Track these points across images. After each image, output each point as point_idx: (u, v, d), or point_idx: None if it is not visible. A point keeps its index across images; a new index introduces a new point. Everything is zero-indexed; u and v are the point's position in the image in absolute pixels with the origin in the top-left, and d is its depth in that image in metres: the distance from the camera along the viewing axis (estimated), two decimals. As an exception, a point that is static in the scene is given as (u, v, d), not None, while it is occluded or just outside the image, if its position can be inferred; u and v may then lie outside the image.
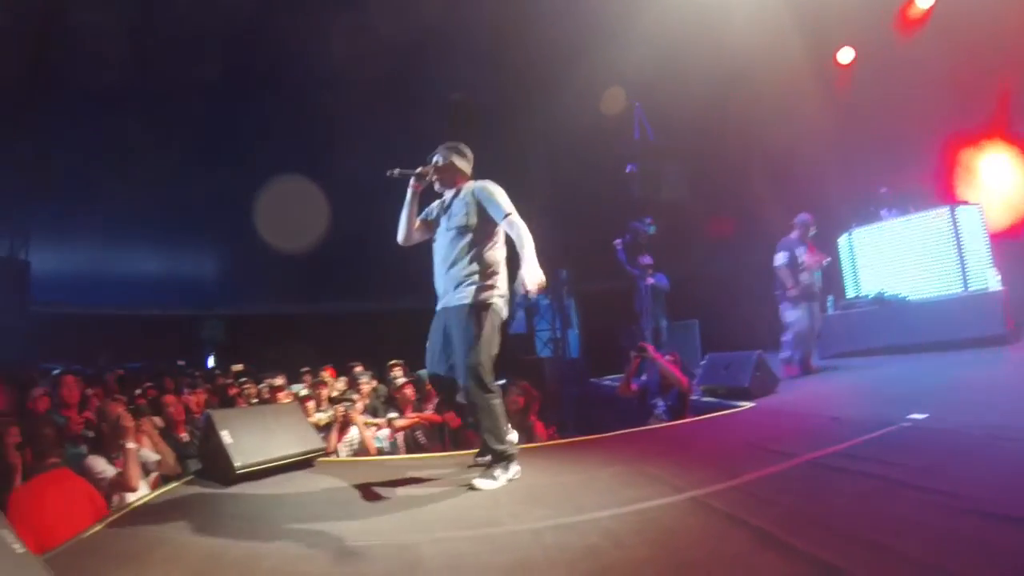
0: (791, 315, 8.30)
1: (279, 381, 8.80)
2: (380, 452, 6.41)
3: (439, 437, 6.85)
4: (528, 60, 13.68)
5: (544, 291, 4.17)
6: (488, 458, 4.03)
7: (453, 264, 4.15)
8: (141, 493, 4.46)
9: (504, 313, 4.17)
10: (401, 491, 3.93)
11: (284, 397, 7.83)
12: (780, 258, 8.31)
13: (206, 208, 17.07)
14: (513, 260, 4.15)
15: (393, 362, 8.48)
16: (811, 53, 11.42)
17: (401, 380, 7.54)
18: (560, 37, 13.04)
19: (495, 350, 4.05)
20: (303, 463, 4.59)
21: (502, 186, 4.21)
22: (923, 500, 2.59)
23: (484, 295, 4.07)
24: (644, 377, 7.10)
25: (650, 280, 10.30)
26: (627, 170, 12.86)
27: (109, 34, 15.02)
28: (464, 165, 4.39)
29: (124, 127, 15.61)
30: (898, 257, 9.70)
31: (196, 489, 4.15)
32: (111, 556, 2.94)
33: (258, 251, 18.39)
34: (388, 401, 7.43)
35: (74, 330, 16.96)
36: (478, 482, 3.81)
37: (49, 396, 6.57)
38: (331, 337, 15.32)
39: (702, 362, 9.17)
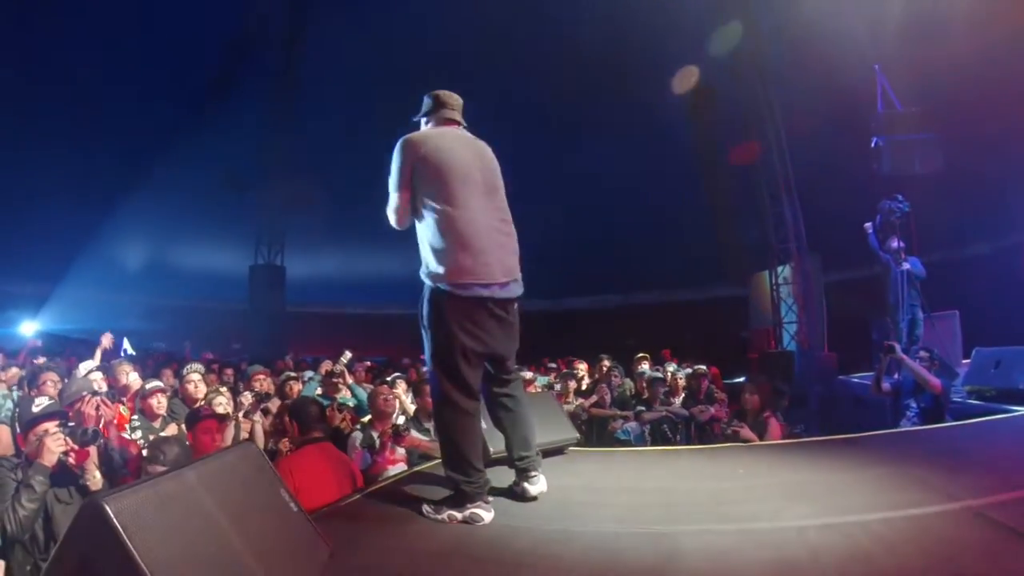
0: None
1: (528, 375, 9.23)
2: (627, 444, 6.61)
3: (685, 431, 6.95)
4: (762, 37, 13.27)
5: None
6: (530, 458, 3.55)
7: None
8: (399, 469, 4.85)
9: (468, 295, 3.27)
10: (654, 482, 3.96)
11: (531, 390, 8.20)
12: None
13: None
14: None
15: (640, 355, 8.64)
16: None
17: (649, 374, 7.70)
18: (792, 8, 12.52)
19: (455, 353, 3.29)
20: (556, 451, 4.69)
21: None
22: None
23: (428, 279, 3.38)
24: (897, 376, 6.72)
25: (905, 266, 9.54)
26: (873, 144, 12.06)
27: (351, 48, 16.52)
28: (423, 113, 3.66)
29: (368, 138, 17.07)
30: None
31: None
32: (366, 522, 3.26)
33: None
34: (635, 394, 7.59)
35: (322, 328, 18.94)
36: (424, 506, 3.32)
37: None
38: (566, 331, 15.81)
39: (964, 360, 8.47)
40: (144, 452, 4.44)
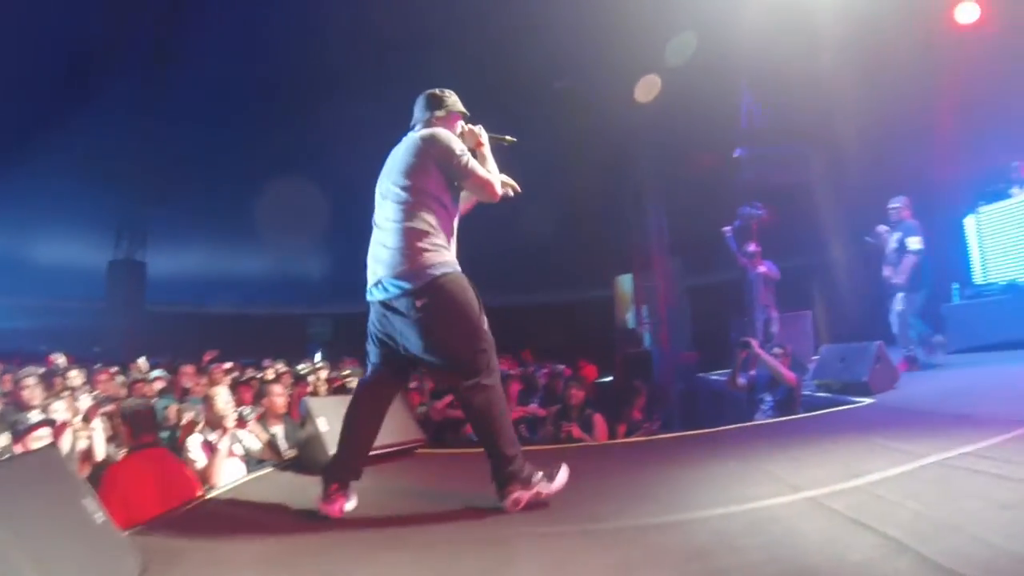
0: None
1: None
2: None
3: (543, 431, 6.87)
4: (628, 41, 13.42)
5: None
6: None
7: None
8: (238, 473, 4.64)
9: None
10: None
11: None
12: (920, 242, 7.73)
13: (313, 208, 17.68)
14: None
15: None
16: (930, 14, 10.64)
17: (508, 374, 7.60)
18: (664, 17, 12.74)
19: None
20: (401, 453, 4.60)
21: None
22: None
23: None
24: (753, 372, 6.90)
25: (761, 268, 9.93)
26: (735, 154, 12.47)
27: (221, 38, 15.78)
28: None
29: (233, 130, 16.35)
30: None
31: (289, 476, 4.29)
32: (193, 534, 3.07)
33: (363, 250, 19.14)
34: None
35: (187, 328, 17.91)
36: None
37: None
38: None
39: (815, 356, 8.82)
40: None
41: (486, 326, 3.31)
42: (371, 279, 3.37)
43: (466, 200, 3.67)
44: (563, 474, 3.25)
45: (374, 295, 3.36)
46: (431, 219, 3.31)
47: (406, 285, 3.23)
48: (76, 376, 7.62)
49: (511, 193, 3.75)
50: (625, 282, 15.27)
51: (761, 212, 10.45)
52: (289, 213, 17.81)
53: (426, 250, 3.25)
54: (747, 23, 11.43)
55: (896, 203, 8.00)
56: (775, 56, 11.70)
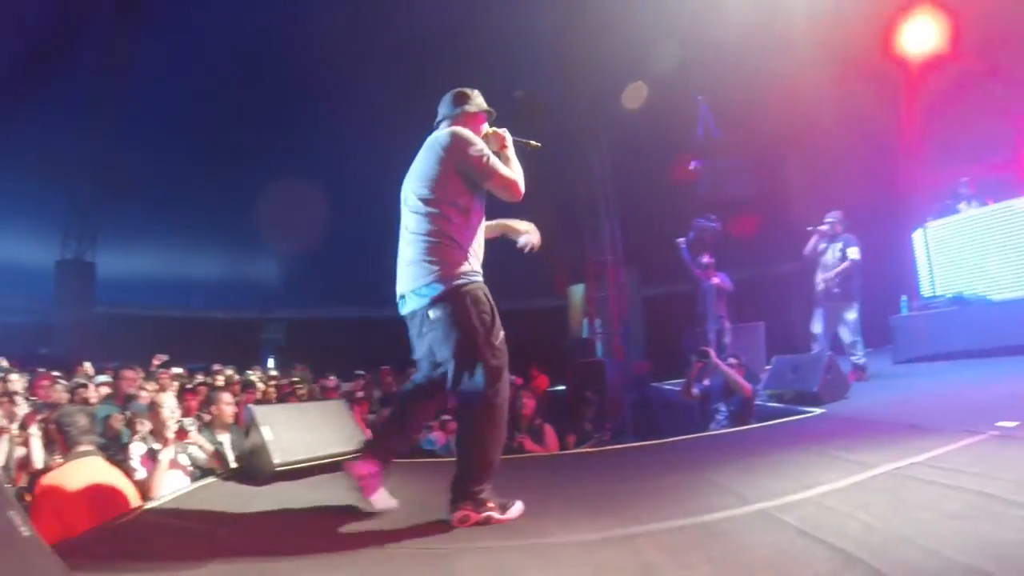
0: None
1: (331, 383, 8.82)
2: (432, 454, 6.33)
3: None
4: (591, 56, 13.47)
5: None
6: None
7: None
8: (181, 483, 4.48)
9: None
10: (448, 495, 3.73)
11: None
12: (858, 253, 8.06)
13: (268, 213, 17.44)
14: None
15: None
16: (883, 39, 10.90)
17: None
18: (623, 32, 12.81)
19: None
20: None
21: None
22: (1024, 519, 2.30)
23: None
24: (707, 382, 6.91)
25: (714, 280, 10.00)
26: (691, 167, 12.56)
27: (177, 36, 15.51)
28: None
29: (190, 133, 16.05)
30: (979, 253, 9.06)
31: (232, 486, 4.16)
32: (130, 547, 2.95)
33: (318, 256, 19.06)
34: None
35: (137, 331, 17.40)
36: None
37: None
38: (387, 340, 15.48)
39: (767, 366, 8.89)
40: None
41: (500, 340, 3.23)
42: (398, 292, 3.39)
43: (494, 230, 3.74)
44: (516, 508, 3.17)
45: (402, 308, 3.39)
46: (450, 228, 3.26)
47: (423, 299, 3.24)
48: (16, 380, 7.34)
49: (534, 249, 3.78)
50: (578, 291, 15.33)
51: (716, 224, 10.52)
52: (245, 215, 17.58)
53: (443, 261, 3.21)
54: (706, 38, 11.57)
55: (831, 218, 8.31)
56: (733, 73, 11.86)
